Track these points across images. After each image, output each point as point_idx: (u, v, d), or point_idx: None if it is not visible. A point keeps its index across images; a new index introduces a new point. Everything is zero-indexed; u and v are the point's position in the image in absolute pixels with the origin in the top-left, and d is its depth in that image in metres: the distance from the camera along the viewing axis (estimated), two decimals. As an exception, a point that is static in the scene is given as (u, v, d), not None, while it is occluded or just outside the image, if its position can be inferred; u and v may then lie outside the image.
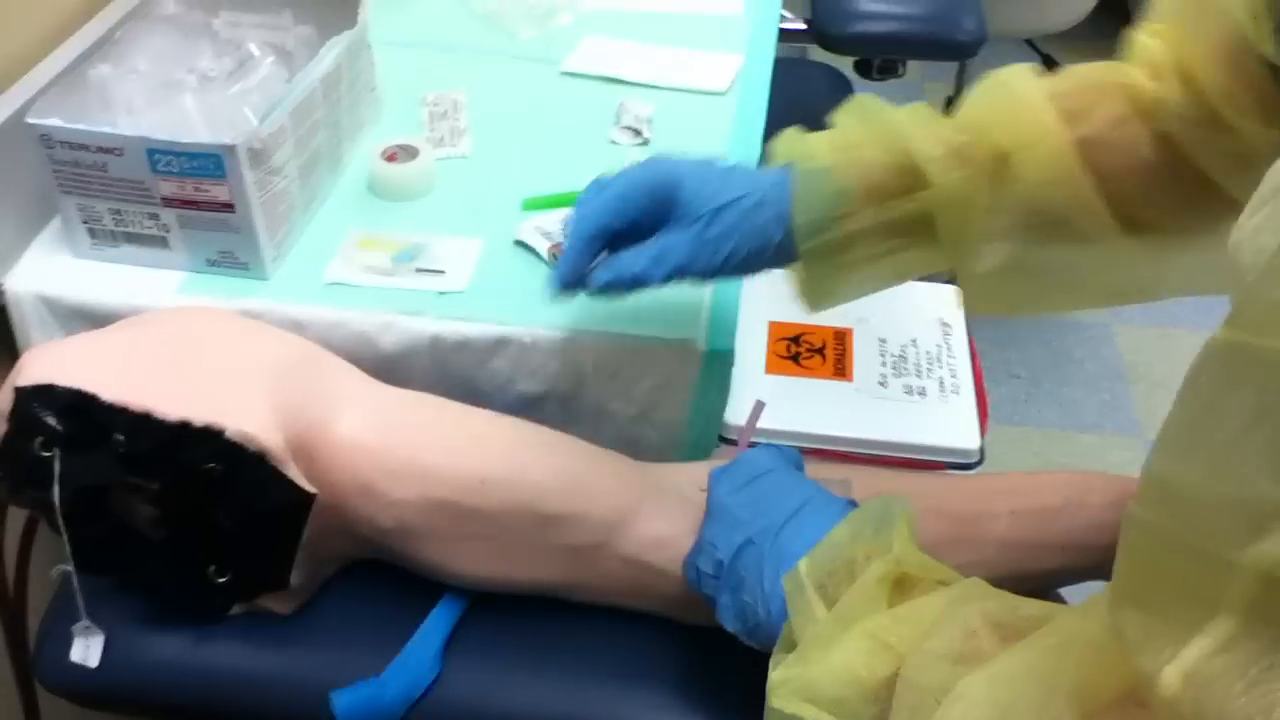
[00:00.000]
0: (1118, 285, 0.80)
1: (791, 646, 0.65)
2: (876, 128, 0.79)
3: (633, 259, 0.80)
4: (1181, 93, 0.71)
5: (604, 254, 0.83)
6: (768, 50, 1.28)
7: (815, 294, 0.84)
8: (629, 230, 0.81)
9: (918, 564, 0.65)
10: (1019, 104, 0.74)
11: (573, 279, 0.81)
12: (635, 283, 0.80)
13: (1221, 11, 0.64)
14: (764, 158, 0.88)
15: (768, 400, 1.10)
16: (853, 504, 0.73)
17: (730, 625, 0.72)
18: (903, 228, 0.78)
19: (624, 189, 0.81)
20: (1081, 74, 0.76)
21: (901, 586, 0.64)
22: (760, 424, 1.09)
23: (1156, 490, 0.43)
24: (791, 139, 0.83)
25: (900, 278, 0.84)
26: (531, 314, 0.92)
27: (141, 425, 0.73)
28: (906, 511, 0.67)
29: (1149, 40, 0.74)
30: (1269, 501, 0.37)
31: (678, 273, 0.79)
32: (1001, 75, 0.76)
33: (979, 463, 1.09)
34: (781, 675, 0.63)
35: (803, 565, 0.66)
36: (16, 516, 0.87)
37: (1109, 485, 0.84)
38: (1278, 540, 0.36)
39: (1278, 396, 0.37)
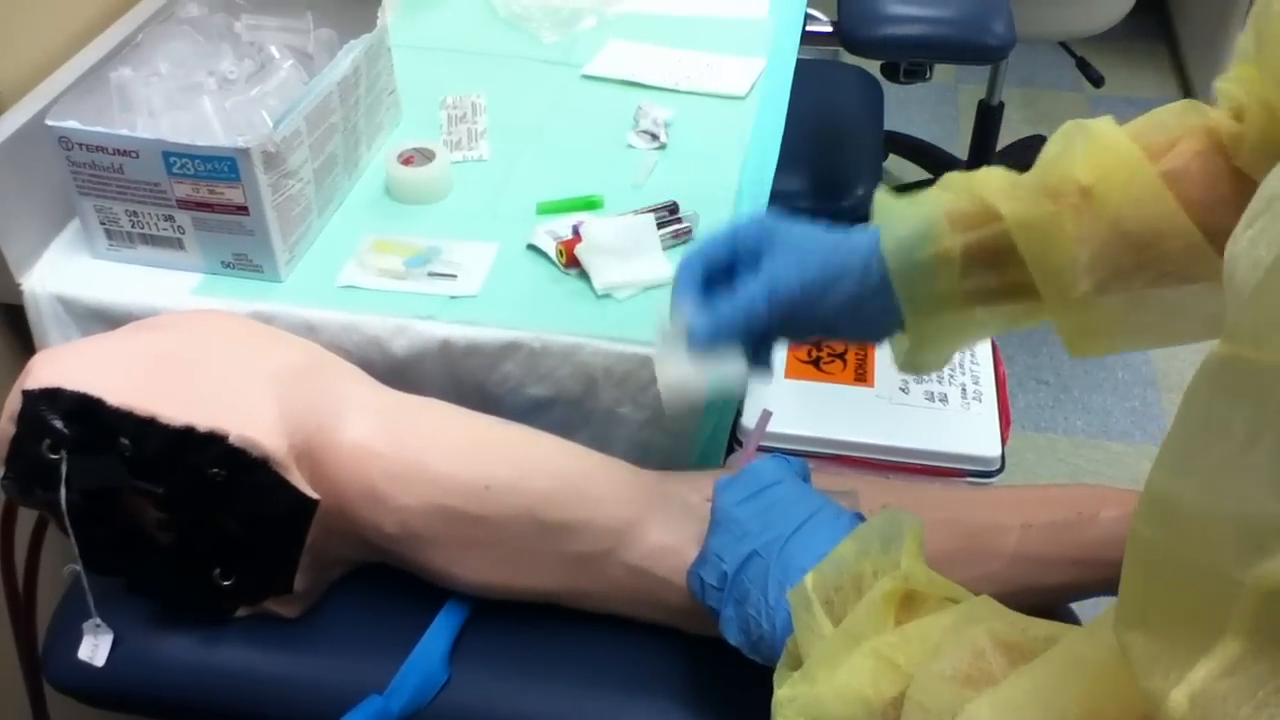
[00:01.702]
0: (1213, 310, 0.77)
1: (796, 662, 0.65)
2: (955, 184, 0.79)
3: (740, 292, 0.78)
4: (1263, 125, 0.69)
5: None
6: (790, 54, 1.27)
7: (916, 349, 0.81)
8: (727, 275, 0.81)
9: (925, 580, 0.64)
10: (1099, 142, 0.73)
11: (676, 306, 0.80)
12: (747, 313, 0.77)
13: None
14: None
15: (787, 405, 1.10)
16: (860, 518, 0.73)
17: (733, 638, 0.72)
18: (990, 258, 0.76)
19: (733, 233, 0.81)
20: (1161, 115, 0.75)
21: (909, 603, 0.64)
22: (779, 429, 1.08)
23: (1158, 508, 0.42)
24: (878, 204, 0.82)
25: (999, 327, 0.82)
26: (542, 319, 0.92)
27: (147, 429, 0.74)
28: (915, 527, 0.66)
29: (1232, 85, 0.73)
30: (1271, 519, 0.36)
31: (787, 299, 0.77)
32: (1080, 122, 0.75)
33: (999, 470, 1.08)
34: (787, 693, 0.62)
35: (809, 580, 0.65)
36: (26, 518, 0.88)
37: (1121, 499, 0.83)
38: None
39: (1276, 411, 0.36)
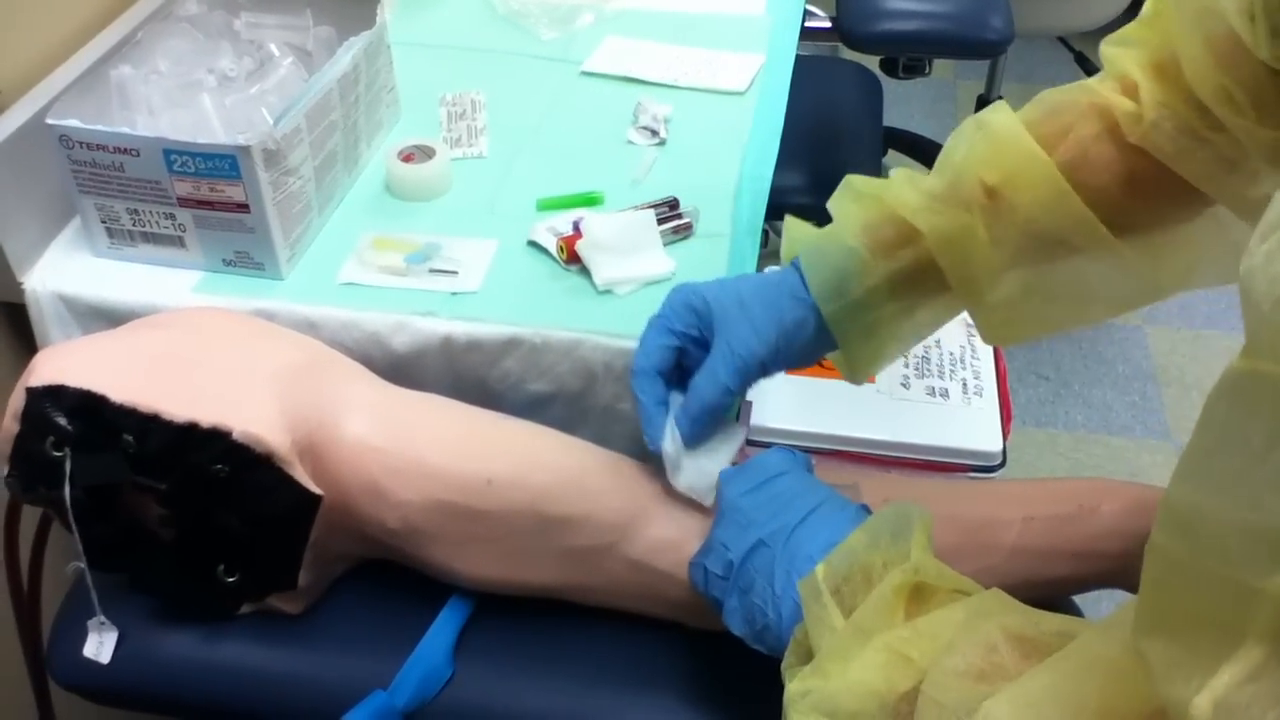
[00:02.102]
0: (1122, 293, 0.81)
1: (805, 652, 0.65)
2: (866, 197, 0.82)
3: (696, 390, 0.81)
4: (1162, 98, 0.71)
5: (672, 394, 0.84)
6: (788, 50, 1.27)
7: (854, 363, 0.86)
8: (687, 354, 0.83)
9: (935, 573, 0.64)
10: (998, 139, 0.76)
11: (658, 429, 0.82)
12: (714, 406, 0.80)
13: (1212, 12, 0.64)
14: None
15: (789, 401, 1.10)
16: (865, 509, 0.73)
17: (737, 628, 0.72)
18: (914, 277, 0.80)
19: (662, 325, 0.83)
20: (1053, 100, 0.78)
21: (919, 595, 0.64)
22: (781, 425, 1.09)
23: (1178, 518, 0.43)
24: (789, 234, 0.86)
25: (930, 329, 0.86)
26: (542, 315, 0.92)
27: (150, 426, 0.74)
28: (924, 519, 0.66)
29: (1120, 51, 0.75)
30: None
31: (754, 369, 0.81)
32: (977, 116, 0.79)
33: (1001, 465, 1.08)
34: (800, 688, 0.62)
35: (819, 570, 0.65)
36: (30, 515, 0.88)
37: (1122, 492, 0.83)
38: None
39: None
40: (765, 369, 0.81)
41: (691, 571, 0.76)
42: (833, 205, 0.84)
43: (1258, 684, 0.38)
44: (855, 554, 0.66)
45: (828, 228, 0.83)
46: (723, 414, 0.82)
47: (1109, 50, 0.76)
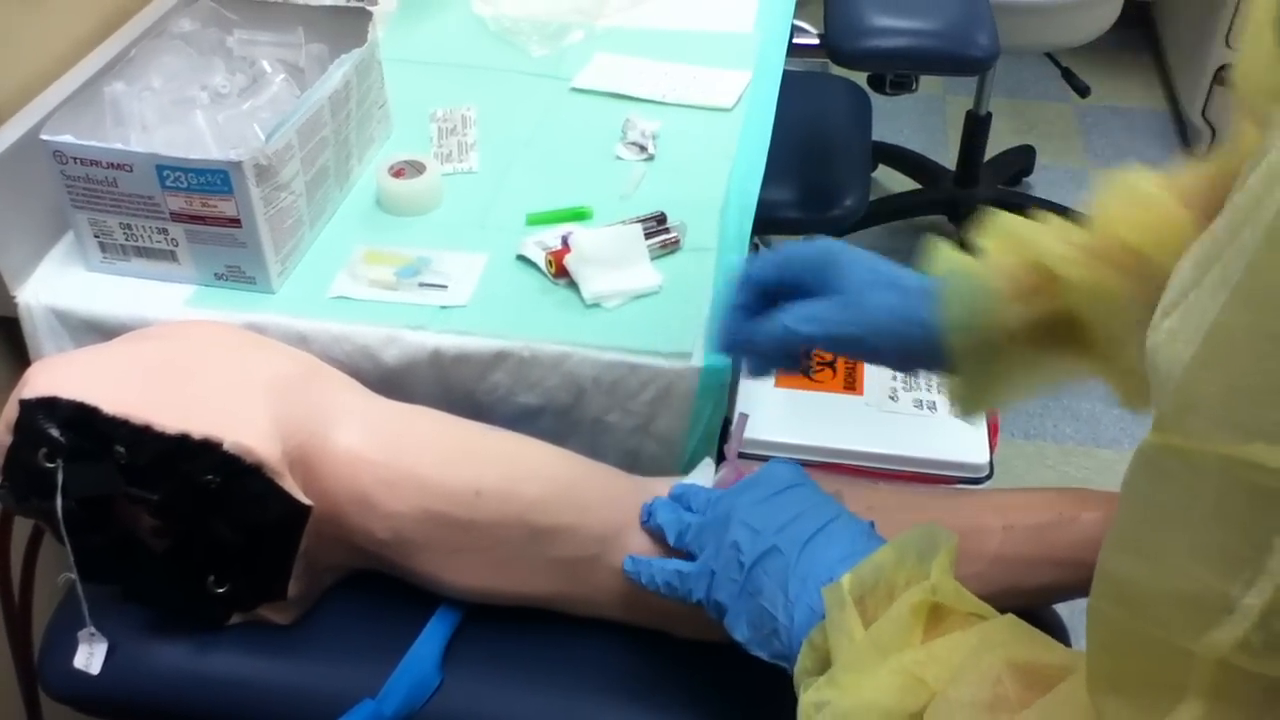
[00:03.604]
0: None
1: (821, 658, 0.65)
2: (1012, 239, 0.78)
3: (783, 314, 0.79)
4: None
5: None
6: (776, 67, 1.29)
7: (969, 399, 0.82)
8: (785, 294, 0.81)
9: (953, 595, 0.65)
10: (1146, 201, 0.74)
11: (731, 334, 0.81)
12: (784, 337, 0.78)
13: None
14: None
15: (777, 413, 1.11)
16: (872, 526, 0.74)
17: (740, 633, 0.72)
18: (1049, 328, 0.76)
19: (788, 255, 0.81)
20: (1204, 167, 0.76)
21: (936, 615, 0.65)
22: (770, 438, 1.09)
23: (1114, 587, 0.45)
24: (937, 255, 0.81)
25: (1054, 382, 0.82)
26: (531, 328, 0.93)
27: (142, 437, 0.75)
28: (950, 543, 0.67)
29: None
30: (1212, 593, 0.38)
31: (825, 339, 0.78)
32: (1127, 176, 0.76)
33: (988, 478, 1.09)
34: (815, 698, 0.63)
35: (846, 580, 0.66)
36: (22, 526, 0.88)
37: (1102, 500, 0.84)
38: (1227, 630, 0.38)
39: (1207, 495, 0.39)
40: (851, 349, 0.80)
41: (688, 579, 0.76)
42: (982, 238, 0.80)
43: None
44: (882, 569, 0.66)
45: (973, 260, 0.80)
46: (767, 354, 0.81)
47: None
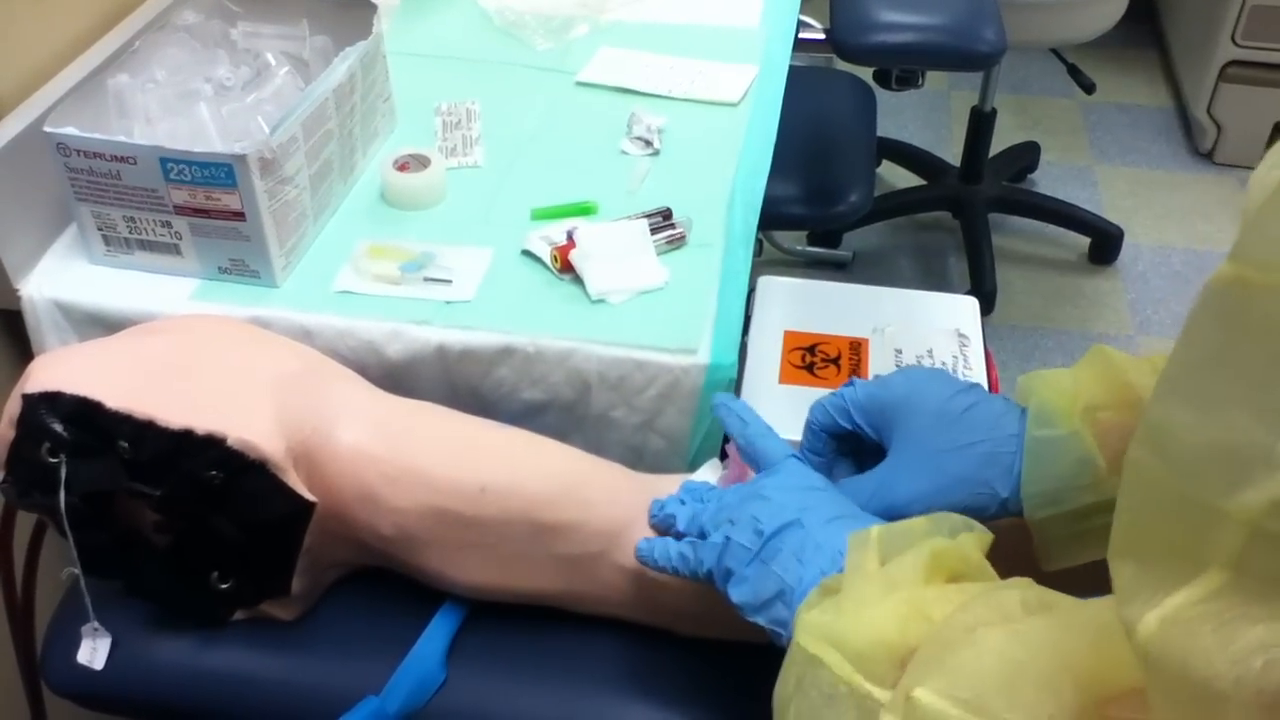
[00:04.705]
0: None
1: (833, 595, 0.64)
2: (1117, 388, 0.74)
3: (860, 486, 0.79)
4: None
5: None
6: (782, 62, 1.28)
7: (1051, 558, 0.77)
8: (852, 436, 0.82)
9: (976, 564, 0.63)
10: None
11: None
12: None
13: None
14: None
15: (782, 410, 1.10)
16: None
17: (741, 595, 0.69)
18: None
19: (852, 401, 0.81)
20: None
21: (954, 579, 0.63)
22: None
23: (1154, 434, 0.42)
24: (1033, 388, 0.77)
25: None
26: (536, 323, 0.93)
27: (145, 433, 0.75)
28: (984, 535, 0.66)
29: None
30: (1257, 447, 0.36)
31: (890, 509, 0.76)
32: None
33: (991, 475, 1.09)
34: (813, 617, 0.61)
35: (874, 530, 0.65)
36: (25, 521, 0.88)
37: None
38: (1263, 488, 0.36)
39: (1270, 339, 0.36)
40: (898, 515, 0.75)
41: (701, 549, 0.74)
42: (1078, 374, 0.77)
43: (1209, 604, 0.38)
44: (912, 532, 0.65)
45: (1063, 407, 0.75)
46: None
47: None
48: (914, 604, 0.59)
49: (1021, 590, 0.58)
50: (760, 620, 0.69)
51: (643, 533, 0.81)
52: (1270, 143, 2.59)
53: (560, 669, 0.84)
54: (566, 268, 0.97)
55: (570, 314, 0.94)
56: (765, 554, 0.69)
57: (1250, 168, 2.74)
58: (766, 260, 2.35)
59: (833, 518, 0.70)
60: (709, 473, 0.85)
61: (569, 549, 0.81)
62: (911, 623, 0.58)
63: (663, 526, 0.80)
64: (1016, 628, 0.53)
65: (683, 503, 0.80)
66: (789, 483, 0.74)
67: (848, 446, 0.84)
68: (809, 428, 0.83)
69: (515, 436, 0.86)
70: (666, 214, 1.03)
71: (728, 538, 0.71)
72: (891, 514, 0.73)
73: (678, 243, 1.01)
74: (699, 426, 0.94)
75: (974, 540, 0.65)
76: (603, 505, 0.81)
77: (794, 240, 2.41)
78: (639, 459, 0.95)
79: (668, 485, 0.84)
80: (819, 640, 0.60)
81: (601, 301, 0.95)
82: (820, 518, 0.69)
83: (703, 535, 0.75)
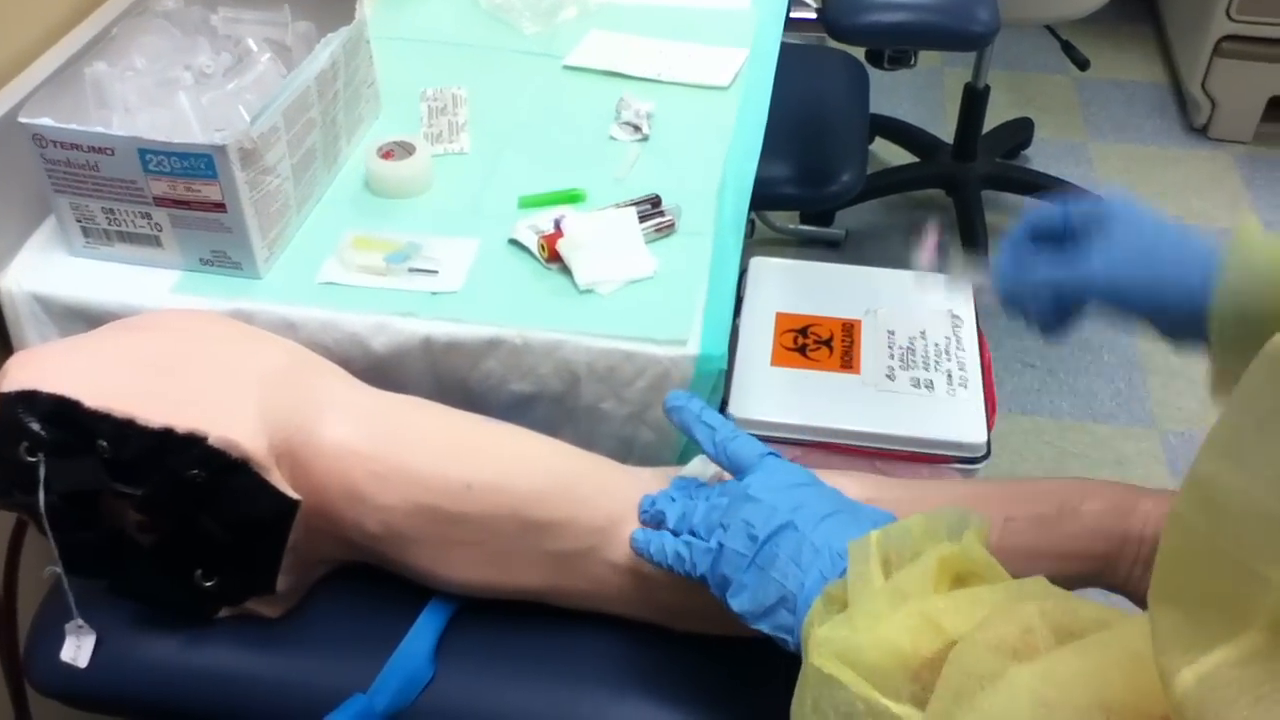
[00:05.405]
0: None
1: (838, 609, 0.64)
2: None
3: (1072, 259, 0.78)
4: None
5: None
6: (772, 45, 1.27)
7: (1224, 380, 0.76)
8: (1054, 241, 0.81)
9: (983, 563, 0.63)
10: None
11: (1011, 280, 0.80)
12: (1069, 281, 0.77)
13: None
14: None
15: (774, 393, 1.10)
16: (892, 518, 0.72)
17: (742, 604, 0.70)
18: None
19: (1074, 204, 0.80)
20: None
21: (961, 581, 0.63)
22: (767, 417, 1.08)
23: (1201, 492, 0.42)
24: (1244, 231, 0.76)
25: None
26: (524, 315, 0.92)
27: (125, 431, 0.74)
28: (983, 524, 0.66)
29: None
30: None
31: (1108, 288, 0.76)
32: None
33: (985, 457, 1.08)
34: (826, 634, 0.61)
35: (873, 536, 0.65)
36: (5, 518, 0.87)
37: (1103, 492, 0.83)
38: None
39: None
40: (1129, 302, 0.76)
41: (695, 551, 0.74)
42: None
43: (1246, 669, 0.38)
44: (910, 533, 0.65)
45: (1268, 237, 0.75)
46: (1045, 294, 0.79)
47: None
48: (925, 615, 0.59)
49: (1039, 600, 0.58)
50: (764, 628, 0.69)
51: (634, 529, 0.80)
52: (1265, 118, 2.58)
53: (549, 665, 0.84)
54: (554, 257, 0.96)
55: (558, 305, 0.93)
56: (761, 559, 0.69)
57: (1245, 143, 2.72)
58: (759, 240, 2.34)
59: (825, 515, 0.70)
60: (700, 466, 0.84)
61: (559, 545, 0.80)
62: (923, 634, 0.58)
63: (653, 524, 0.79)
64: (1046, 664, 0.52)
65: (673, 499, 0.79)
66: (775, 481, 0.73)
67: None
68: (1030, 227, 0.81)
69: (503, 432, 0.85)
70: (655, 201, 1.01)
71: (720, 544, 0.71)
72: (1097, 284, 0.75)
73: (666, 231, 1.00)
74: (689, 418, 0.93)
75: (976, 536, 0.65)
76: (593, 502, 0.81)
77: (786, 219, 2.40)
78: (629, 451, 0.94)
79: (659, 480, 0.83)
80: (833, 659, 0.60)
81: (590, 292, 0.94)
82: (813, 517, 0.69)
83: (694, 534, 0.75)
